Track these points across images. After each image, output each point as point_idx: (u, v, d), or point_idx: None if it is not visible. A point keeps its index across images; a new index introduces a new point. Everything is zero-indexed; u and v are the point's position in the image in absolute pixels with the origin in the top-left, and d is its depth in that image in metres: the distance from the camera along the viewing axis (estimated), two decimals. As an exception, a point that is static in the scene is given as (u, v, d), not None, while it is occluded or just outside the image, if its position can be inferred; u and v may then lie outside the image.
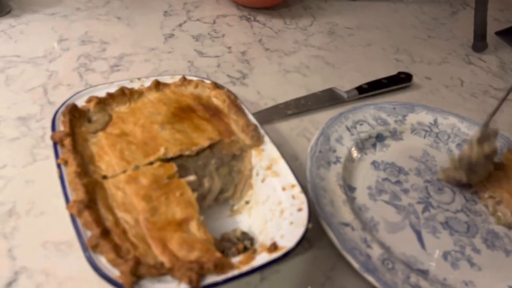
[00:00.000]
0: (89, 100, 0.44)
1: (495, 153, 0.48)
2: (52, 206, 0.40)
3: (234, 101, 0.47)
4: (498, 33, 0.89)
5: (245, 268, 0.32)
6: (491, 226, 0.46)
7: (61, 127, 0.41)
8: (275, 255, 0.33)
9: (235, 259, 0.33)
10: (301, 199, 0.38)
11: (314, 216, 0.40)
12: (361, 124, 0.54)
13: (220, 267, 0.32)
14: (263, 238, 0.37)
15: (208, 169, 0.42)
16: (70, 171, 0.36)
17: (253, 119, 0.46)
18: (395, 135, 0.56)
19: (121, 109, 0.45)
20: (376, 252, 0.40)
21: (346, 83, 0.66)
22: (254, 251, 0.34)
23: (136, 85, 0.48)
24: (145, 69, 0.62)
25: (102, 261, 0.31)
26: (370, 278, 0.37)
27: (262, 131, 0.45)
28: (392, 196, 0.48)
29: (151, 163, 0.39)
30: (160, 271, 0.31)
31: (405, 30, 0.87)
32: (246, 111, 0.47)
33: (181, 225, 0.34)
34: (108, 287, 0.30)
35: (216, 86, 0.49)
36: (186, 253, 0.33)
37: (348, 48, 0.77)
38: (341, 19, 0.86)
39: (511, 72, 0.78)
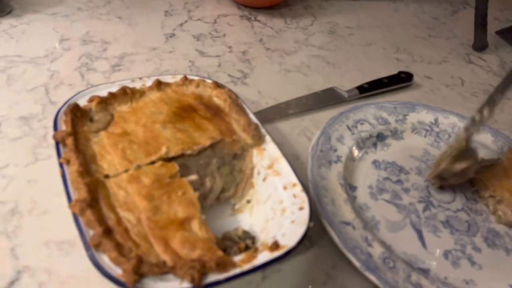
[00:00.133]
0: (91, 100, 0.44)
1: (470, 169, 0.47)
2: (55, 205, 0.41)
3: (235, 101, 0.47)
4: (499, 33, 0.89)
5: (246, 267, 0.32)
6: (491, 225, 0.47)
7: (63, 127, 0.41)
8: (276, 253, 0.33)
9: (237, 258, 0.33)
10: (302, 198, 0.38)
11: (315, 215, 0.40)
12: (362, 124, 0.54)
13: (222, 265, 0.32)
14: (264, 237, 0.37)
15: (210, 168, 0.42)
16: (72, 170, 0.36)
17: (254, 119, 0.46)
18: (396, 134, 0.56)
19: (122, 108, 0.45)
20: (377, 251, 0.40)
21: (346, 83, 0.66)
22: (256, 250, 0.34)
23: (137, 85, 0.48)
24: (146, 68, 0.62)
25: (105, 259, 0.31)
26: (371, 277, 0.37)
27: (263, 131, 0.45)
28: (393, 195, 0.48)
29: (153, 163, 0.39)
30: (162, 270, 0.31)
31: (406, 29, 0.87)
32: (247, 111, 0.47)
33: (183, 224, 0.35)
34: (111, 286, 0.30)
35: (217, 85, 0.49)
36: (188, 252, 0.33)
37: (349, 47, 0.77)
38: (342, 18, 0.87)
39: None
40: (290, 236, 0.35)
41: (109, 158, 0.39)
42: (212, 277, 0.31)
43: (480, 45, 0.82)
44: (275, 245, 0.34)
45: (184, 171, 0.40)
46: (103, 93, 0.45)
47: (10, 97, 0.53)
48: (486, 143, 0.55)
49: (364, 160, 0.52)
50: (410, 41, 0.82)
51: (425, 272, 0.40)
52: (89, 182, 0.35)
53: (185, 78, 0.50)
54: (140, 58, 0.64)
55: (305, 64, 0.70)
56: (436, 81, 0.71)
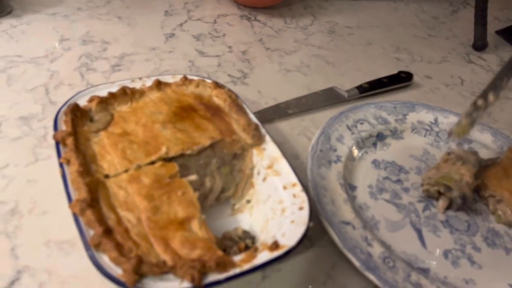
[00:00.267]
0: (91, 100, 0.44)
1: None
2: (55, 205, 0.41)
3: (235, 101, 0.48)
4: (498, 32, 0.89)
5: (246, 267, 0.32)
6: (491, 224, 0.47)
7: (63, 127, 0.41)
8: (276, 253, 0.33)
9: (237, 258, 0.33)
10: (302, 197, 0.38)
11: (315, 214, 0.40)
12: (361, 123, 0.54)
13: (222, 265, 0.32)
14: (264, 236, 0.37)
15: (210, 168, 0.42)
16: (72, 170, 0.36)
17: (254, 118, 0.46)
18: (396, 134, 0.56)
19: (122, 108, 0.45)
20: (377, 250, 0.40)
21: (346, 82, 0.66)
22: (256, 250, 0.34)
23: (137, 85, 0.48)
24: (146, 68, 0.62)
25: (105, 259, 0.31)
26: (371, 277, 0.37)
27: (263, 130, 0.45)
28: (392, 195, 0.48)
29: (152, 163, 0.39)
30: (162, 270, 0.31)
31: (405, 29, 0.87)
32: (247, 110, 0.47)
33: (183, 224, 0.35)
34: (111, 286, 0.30)
35: (217, 85, 0.49)
36: (188, 252, 0.33)
37: (349, 47, 0.77)
38: (342, 18, 0.87)
39: None
40: (290, 236, 0.35)
41: (109, 158, 0.39)
42: (212, 277, 0.31)
43: (480, 45, 0.82)
44: (275, 245, 0.34)
45: (184, 171, 0.40)
46: (103, 93, 0.46)
47: (10, 97, 0.53)
48: (485, 142, 0.56)
49: (364, 159, 0.52)
50: (410, 41, 0.82)
51: (424, 271, 0.40)
52: (89, 182, 0.35)
53: (185, 78, 0.50)
54: (140, 58, 0.64)
55: (305, 63, 0.70)
56: (436, 80, 0.71)
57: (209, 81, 0.50)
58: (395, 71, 0.68)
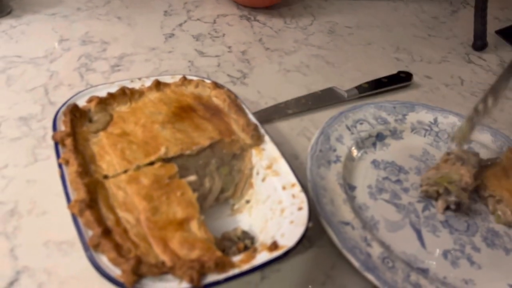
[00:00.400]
0: (90, 100, 0.44)
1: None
2: (54, 205, 0.41)
3: (235, 101, 0.48)
4: (498, 32, 0.89)
5: (245, 267, 0.32)
6: (491, 224, 0.47)
7: (62, 127, 0.41)
8: (275, 254, 0.33)
9: (236, 258, 0.33)
10: (301, 198, 0.38)
11: (314, 215, 0.40)
12: (361, 123, 0.54)
13: (221, 266, 0.32)
14: (263, 237, 0.37)
15: (209, 168, 0.42)
16: (71, 170, 0.36)
17: (253, 119, 0.46)
18: (395, 134, 0.56)
19: (122, 109, 0.45)
20: (376, 250, 0.40)
21: (346, 82, 0.66)
22: (255, 250, 0.34)
23: (136, 85, 0.48)
24: (145, 69, 0.62)
25: (104, 260, 0.31)
26: (370, 277, 0.37)
27: (262, 131, 0.45)
28: (392, 195, 0.48)
29: (152, 163, 0.39)
30: (161, 270, 0.31)
31: (405, 29, 0.87)
32: (247, 111, 0.47)
33: (182, 224, 0.35)
34: (110, 286, 0.30)
35: (217, 85, 0.49)
36: (187, 252, 0.33)
37: (348, 47, 0.77)
38: (341, 18, 0.86)
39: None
40: (289, 236, 0.35)
41: (108, 159, 0.39)
42: (211, 278, 0.31)
43: (479, 45, 0.82)
44: (274, 245, 0.34)
45: (183, 171, 0.40)
46: (102, 93, 0.46)
47: (9, 97, 0.53)
48: (485, 142, 0.55)
49: (363, 160, 0.52)
50: (409, 41, 0.82)
51: (424, 272, 0.40)
52: (88, 182, 0.35)
53: (184, 78, 0.50)
54: (140, 58, 0.64)
55: (305, 64, 0.70)
56: (435, 80, 0.71)
57: (208, 81, 0.50)
58: (394, 71, 0.68)
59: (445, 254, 0.43)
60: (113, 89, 0.46)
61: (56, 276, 0.36)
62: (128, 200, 0.36)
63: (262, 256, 0.33)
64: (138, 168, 0.38)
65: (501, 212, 0.47)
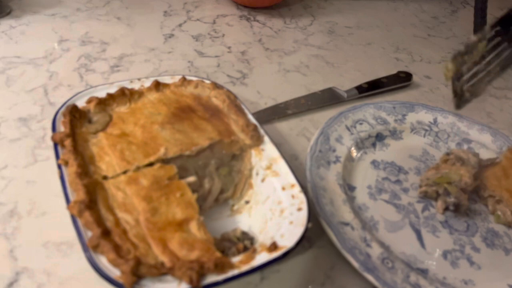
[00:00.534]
0: (89, 101, 0.44)
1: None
2: (54, 206, 0.41)
3: (234, 101, 0.47)
4: (498, 32, 0.89)
5: (245, 268, 0.32)
6: (490, 225, 0.47)
7: (61, 128, 0.41)
8: (275, 254, 0.33)
9: (235, 259, 0.33)
10: (301, 198, 0.38)
11: (314, 215, 0.40)
12: (361, 124, 0.54)
13: (220, 266, 0.32)
14: (263, 237, 0.37)
15: (208, 169, 0.42)
16: (70, 171, 0.36)
17: (252, 119, 0.46)
18: (395, 134, 0.56)
19: (121, 109, 0.45)
20: (375, 251, 0.40)
21: (346, 83, 0.66)
22: (254, 251, 0.34)
23: (136, 86, 0.48)
24: (145, 69, 0.62)
25: (103, 261, 0.31)
26: (369, 277, 0.37)
27: (262, 131, 0.45)
28: (392, 195, 0.48)
29: (151, 164, 0.39)
30: (160, 271, 0.31)
31: (405, 28, 0.87)
32: (246, 111, 0.47)
33: (181, 225, 0.35)
34: (109, 287, 0.30)
35: (216, 86, 0.49)
36: (186, 253, 0.33)
37: (348, 47, 0.77)
38: (341, 18, 0.86)
39: (510, 71, 0.77)
40: (288, 237, 0.35)
41: (108, 159, 0.39)
42: (211, 278, 0.31)
43: (479, 45, 0.81)
44: (274, 246, 0.34)
45: (183, 172, 0.40)
46: (102, 94, 0.46)
47: (9, 98, 0.53)
48: (485, 142, 0.55)
49: (363, 160, 0.52)
50: (409, 41, 0.82)
51: (423, 272, 0.40)
52: (87, 183, 0.35)
53: (184, 78, 0.50)
54: (139, 59, 0.64)
55: (304, 64, 0.70)
56: (435, 80, 0.71)
57: (208, 81, 0.50)
58: (394, 71, 0.68)
59: (444, 254, 0.43)
60: (113, 89, 0.46)
61: (56, 277, 0.36)
62: (128, 201, 0.36)
63: (262, 257, 0.33)
64: (137, 169, 0.38)
65: (500, 212, 0.47)
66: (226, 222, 0.41)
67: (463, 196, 0.45)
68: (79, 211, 0.33)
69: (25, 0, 0.74)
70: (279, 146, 0.44)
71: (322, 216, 0.41)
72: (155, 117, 0.44)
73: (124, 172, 0.38)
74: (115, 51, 0.65)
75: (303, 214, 0.37)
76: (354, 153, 0.52)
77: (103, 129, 0.42)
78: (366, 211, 0.45)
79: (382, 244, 0.42)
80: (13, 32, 0.66)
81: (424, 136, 0.57)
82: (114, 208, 0.35)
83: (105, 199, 0.35)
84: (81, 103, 0.44)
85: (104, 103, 0.45)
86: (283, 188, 0.40)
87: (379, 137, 0.55)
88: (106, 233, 0.32)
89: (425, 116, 0.58)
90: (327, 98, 0.61)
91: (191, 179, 0.39)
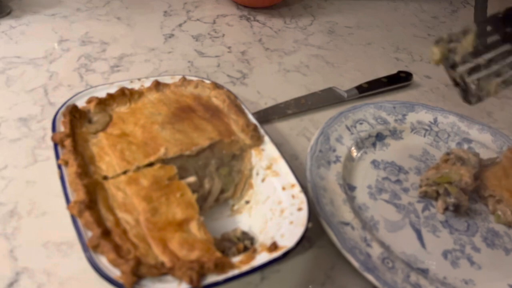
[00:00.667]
0: (89, 101, 0.44)
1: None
2: (54, 206, 0.41)
3: (234, 101, 0.47)
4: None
5: (245, 268, 0.32)
6: (491, 224, 0.46)
7: (61, 128, 0.41)
8: (275, 254, 0.33)
9: (236, 259, 0.33)
10: (301, 198, 0.38)
11: (314, 215, 0.40)
12: (361, 123, 0.54)
13: (220, 266, 0.32)
14: (263, 237, 0.37)
15: (208, 169, 0.42)
16: (70, 171, 0.36)
17: (253, 119, 0.46)
18: (395, 134, 0.56)
19: (121, 109, 0.45)
20: (376, 251, 0.40)
21: (346, 82, 0.66)
22: (254, 251, 0.34)
23: (136, 86, 0.48)
24: (145, 69, 0.62)
25: (103, 261, 0.31)
26: (370, 277, 0.37)
27: (262, 131, 0.45)
28: (392, 195, 0.48)
29: (151, 164, 0.39)
30: (160, 271, 0.31)
31: (405, 28, 0.87)
32: (246, 111, 0.47)
33: (181, 225, 0.35)
34: (109, 287, 0.30)
35: (216, 86, 0.49)
36: (186, 253, 0.33)
37: (348, 47, 0.77)
38: (341, 18, 0.86)
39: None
40: (288, 237, 0.35)
41: (108, 159, 0.39)
42: (211, 278, 0.31)
43: (479, 44, 0.81)
44: (274, 246, 0.34)
45: (183, 172, 0.40)
46: (102, 94, 0.46)
47: (9, 98, 0.53)
48: (485, 142, 0.55)
49: (363, 160, 0.52)
50: (409, 40, 0.82)
51: (424, 272, 0.40)
52: (87, 183, 0.35)
53: (184, 78, 0.50)
54: (139, 59, 0.64)
55: (304, 64, 0.70)
56: (435, 80, 0.71)
57: (208, 81, 0.50)
58: (394, 71, 0.68)
59: (445, 254, 0.43)
60: (113, 89, 0.46)
61: (56, 277, 0.36)
62: (128, 201, 0.36)
63: (262, 257, 0.33)
64: (137, 169, 0.38)
65: (501, 212, 0.47)
66: (226, 222, 0.41)
67: (463, 197, 0.45)
68: (79, 211, 0.33)
69: (25, 0, 0.74)
70: (279, 146, 0.44)
71: (322, 216, 0.41)
72: (155, 117, 0.44)
73: (124, 172, 0.38)
74: (115, 51, 0.65)
75: (303, 214, 0.37)
76: (354, 153, 0.52)
77: (103, 129, 0.42)
78: (366, 211, 0.45)
79: (382, 244, 0.42)
80: (13, 32, 0.66)
81: (424, 136, 0.57)
82: (114, 208, 0.35)
83: (105, 199, 0.35)
84: (81, 103, 0.44)
85: (104, 103, 0.45)
86: (283, 188, 0.40)
87: (379, 137, 0.55)
88: (106, 233, 0.32)
89: (425, 116, 0.58)
90: (327, 98, 0.61)
91: (191, 179, 0.39)
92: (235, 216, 0.42)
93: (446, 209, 0.46)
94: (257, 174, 0.43)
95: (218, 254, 0.33)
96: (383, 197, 0.47)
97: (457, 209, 0.46)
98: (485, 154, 0.53)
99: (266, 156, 0.43)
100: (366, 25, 0.85)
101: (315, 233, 0.42)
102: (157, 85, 0.48)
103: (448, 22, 0.92)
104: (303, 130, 0.56)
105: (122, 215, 0.34)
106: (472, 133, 0.56)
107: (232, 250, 0.36)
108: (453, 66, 0.44)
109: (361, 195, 0.47)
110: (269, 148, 0.43)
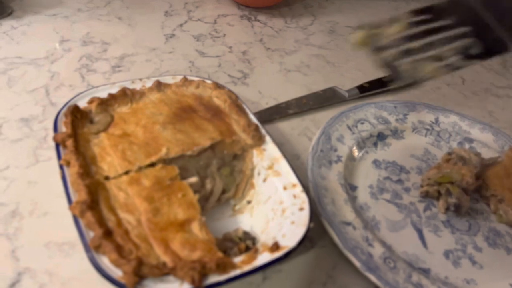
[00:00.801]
0: (91, 101, 0.45)
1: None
2: (55, 206, 0.41)
3: (235, 101, 0.48)
4: (499, 31, 0.89)
5: (247, 268, 0.32)
6: (492, 224, 0.46)
7: (63, 128, 0.41)
8: (277, 254, 0.33)
9: (237, 259, 0.33)
10: (302, 198, 0.38)
11: (315, 215, 0.40)
12: (362, 123, 0.54)
13: (222, 266, 0.32)
14: (265, 237, 0.37)
15: (210, 169, 0.42)
16: (72, 172, 0.36)
17: (254, 119, 0.46)
18: (396, 133, 0.56)
19: (122, 109, 0.45)
20: (377, 251, 0.40)
21: (347, 82, 0.66)
22: (256, 251, 0.34)
23: (137, 86, 0.48)
24: (146, 69, 0.62)
25: (105, 261, 0.31)
26: (371, 277, 0.37)
27: (263, 131, 0.45)
28: (393, 195, 0.48)
29: (153, 164, 0.39)
30: (162, 271, 0.31)
31: (406, 28, 0.87)
32: (247, 111, 0.47)
33: (183, 225, 0.35)
34: None
35: (217, 86, 0.49)
36: (188, 253, 0.33)
37: (349, 46, 0.77)
38: (342, 17, 0.86)
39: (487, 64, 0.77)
40: (290, 236, 0.35)
41: (109, 160, 0.39)
42: (213, 278, 0.31)
43: (480, 44, 0.81)
44: (276, 246, 0.34)
45: (184, 172, 0.40)
46: (103, 94, 0.46)
47: (10, 98, 0.53)
48: (486, 142, 0.55)
49: (364, 159, 0.52)
50: (410, 40, 0.82)
51: (425, 272, 0.40)
52: (89, 183, 0.35)
53: (185, 78, 0.50)
54: (140, 59, 0.64)
55: (305, 63, 0.70)
56: (436, 80, 0.71)
57: (209, 81, 0.50)
58: (395, 71, 0.68)
59: (446, 254, 0.42)
60: (114, 90, 0.46)
61: (58, 277, 0.36)
62: (129, 201, 0.36)
63: (264, 257, 0.33)
64: (139, 169, 0.38)
65: (502, 212, 0.47)
66: (228, 222, 0.41)
67: (464, 197, 0.45)
68: (81, 211, 0.33)
69: (26, 1, 0.74)
70: (281, 145, 0.44)
71: (324, 215, 0.41)
72: (157, 117, 0.44)
73: (126, 173, 0.38)
74: (116, 51, 0.65)
75: (305, 214, 0.37)
76: (356, 152, 0.52)
77: (105, 129, 0.42)
78: (368, 210, 0.45)
79: (384, 244, 0.42)
80: (14, 32, 0.66)
81: (426, 135, 0.56)
82: (116, 209, 0.35)
83: (107, 199, 0.35)
84: (82, 104, 0.44)
85: (105, 103, 0.45)
86: (285, 188, 0.40)
87: (381, 137, 0.55)
88: (108, 234, 0.32)
89: (427, 116, 0.58)
90: (328, 98, 0.61)
91: (193, 179, 0.39)
92: (237, 216, 0.42)
93: (447, 208, 0.46)
94: (259, 174, 0.43)
95: (219, 254, 0.33)
96: (385, 197, 0.47)
97: (458, 209, 0.46)
98: (486, 154, 0.53)
99: (267, 156, 0.43)
100: (367, 25, 0.85)
101: (317, 233, 0.42)
102: (159, 85, 0.48)
103: (449, 22, 0.92)
104: (304, 130, 0.56)
105: (123, 215, 0.35)
106: (473, 133, 0.56)
107: (234, 250, 0.36)
108: (378, 49, 0.48)
109: (363, 195, 0.47)
110: (270, 148, 0.43)
